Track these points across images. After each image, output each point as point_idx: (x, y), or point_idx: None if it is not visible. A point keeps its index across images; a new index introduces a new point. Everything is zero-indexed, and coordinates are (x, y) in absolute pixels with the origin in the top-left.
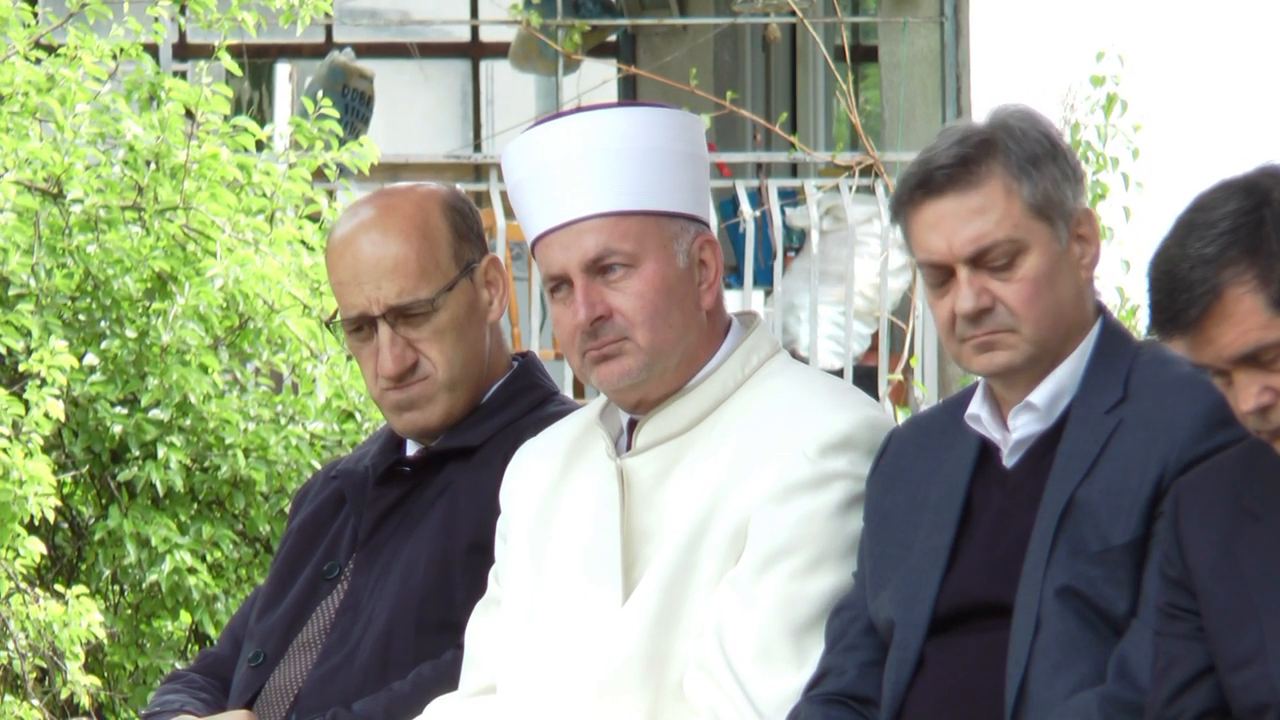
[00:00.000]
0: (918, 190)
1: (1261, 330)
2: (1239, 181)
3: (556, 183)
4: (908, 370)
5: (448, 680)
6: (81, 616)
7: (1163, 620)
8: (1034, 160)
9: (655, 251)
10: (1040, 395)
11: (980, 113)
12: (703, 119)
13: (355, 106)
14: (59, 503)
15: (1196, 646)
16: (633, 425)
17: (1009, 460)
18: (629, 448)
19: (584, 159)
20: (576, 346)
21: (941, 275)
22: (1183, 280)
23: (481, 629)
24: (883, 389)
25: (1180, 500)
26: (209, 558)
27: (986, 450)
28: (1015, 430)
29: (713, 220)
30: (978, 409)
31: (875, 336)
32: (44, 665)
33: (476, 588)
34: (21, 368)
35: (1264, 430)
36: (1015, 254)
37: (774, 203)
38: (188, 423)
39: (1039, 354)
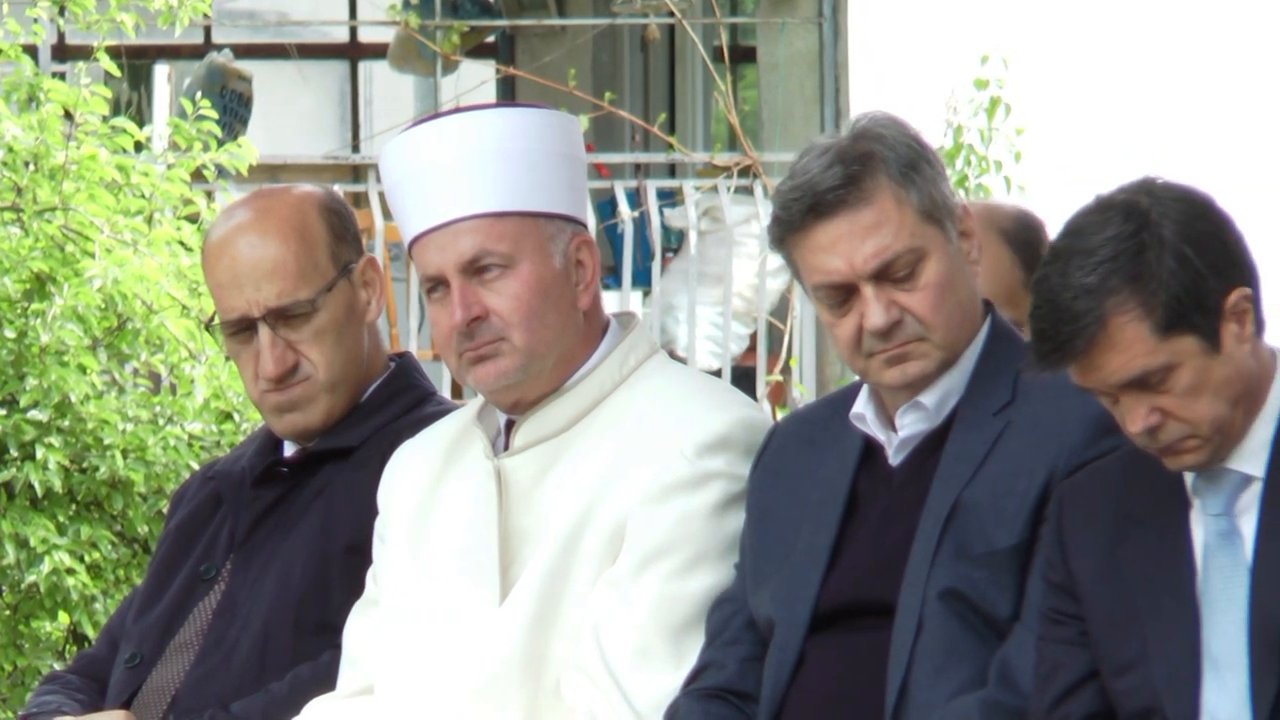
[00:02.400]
0: (808, 215)
1: (1147, 357)
2: (1117, 202)
3: (433, 184)
4: (786, 371)
5: (325, 681)
6: None
7: (1046, 625)
8: (912, 165)
9: (532, 252)
10: (930, 395)
11: (845, 124)
12: (580, 120)
13: (234, 107)
14: None
15: (1079, 652)
16: (510, 426)
17: (894, 459)
18: (506, 448)
19: (460, 160)
20: (454, 347)
21: (841, 295)
22: (1066, 310)
23: (359, 629)
24: (761, 389)
25: (1063, 504)
26: (87, 558)
27: (871, 449)
28: (902, 429)
29: (591, 221)
30: (862, 408)
31: (753, 337)
32: None
33: (354, 589)
34: None
35: (1152, 448)
36: (916, 262)
37: (652, 203)
38: (66, 423)
39: (949, 358)
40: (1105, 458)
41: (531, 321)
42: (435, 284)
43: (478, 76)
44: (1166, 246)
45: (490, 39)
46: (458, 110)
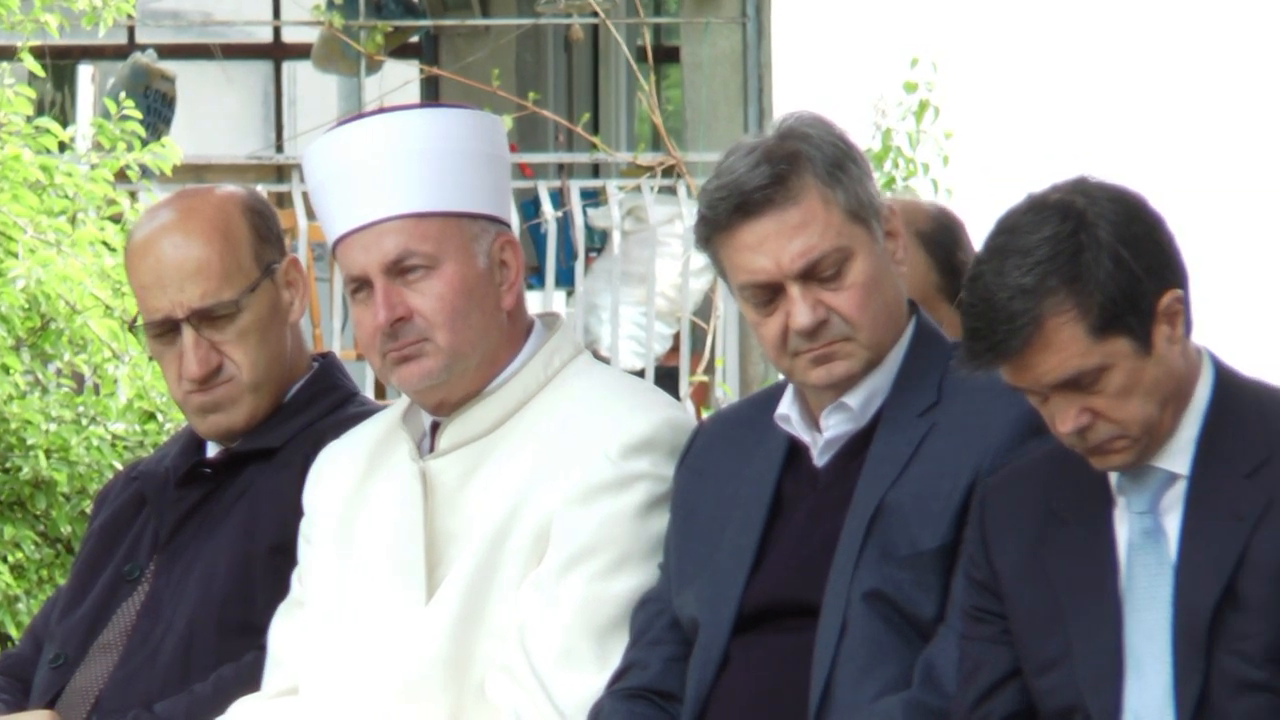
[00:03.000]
0: (734, 214)
1: (1081, 358)
2: (1052, 202)
3: (357, 184)
4: (710, 371)
5: (249, 681)
6: None
7: (968, 623)
8: (838, 165)
9: (455, 253)
10: (855, 396)
11: (770, 124)
12: (504, 120)
13: (157, 108)
14: None
15: (1002, 650)
16: (435, 428)
17: (819, 460)
18: (432, 450)
19: (384, 160)
20: (377, 348)
21: (767, 295)
22: (1002, 310)
23: (284, 630)
24: (684, 389)
25: (987, 502)
26: (10, 559)
27: (796, 449)
28: (827, 430)
29: (515, 221)
30: (787, 409)
31: (677, 337)
32: None
33: (278, 589)
34: None
35: (1081, 448)
36: (842, 262)
37: (576, 203)
38: None
39: (875, 358)
40: (1029, 456)
41: (455, 322)
42: (359, 284)
43: (401, 76)
44: (1103, 248)
45: (414, 39)
46: (382, 110)
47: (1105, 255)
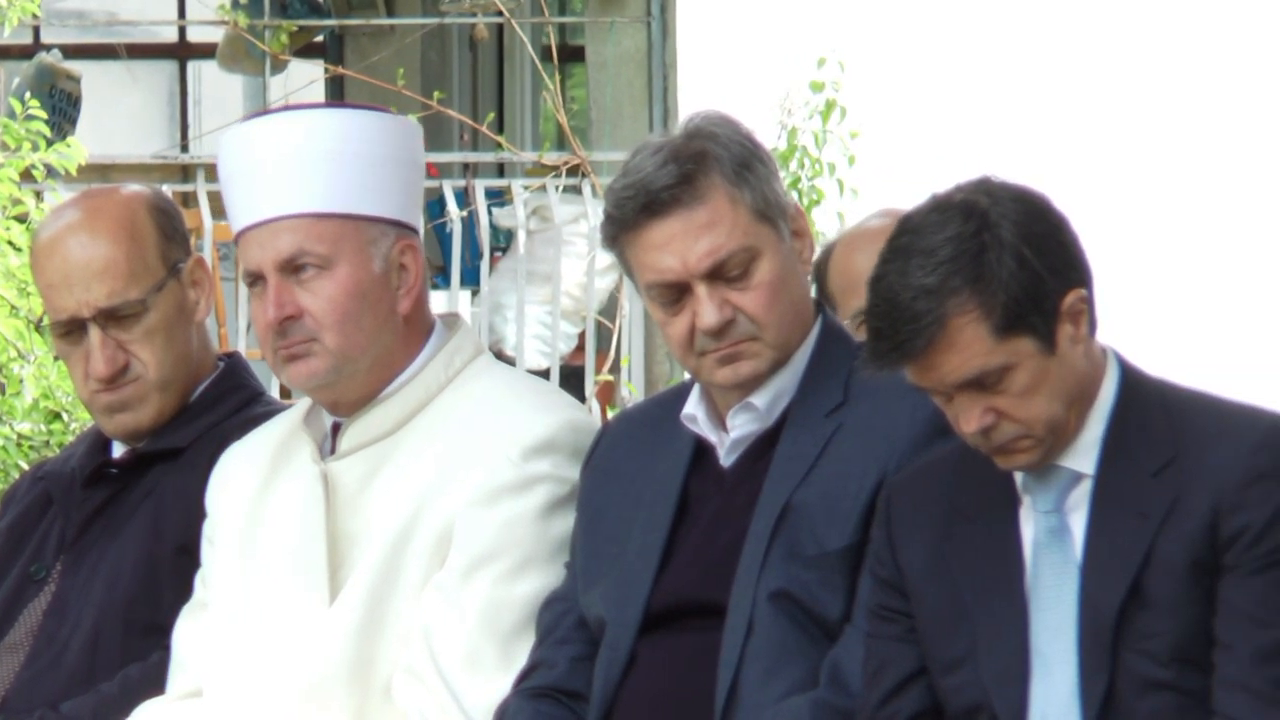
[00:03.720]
0: (641, 213)
1: (985, 357)
2: (956, 202)
3: (262, 179)
4: (615, 370)
5: (155, 681)
6: None
7: (874, 622)
8: (745, 164)
9: (350, 255)
10: (761, 396)
11: (677, 123)
12: (418, 125)
13: (63, 107)
14: None
15: (908, 649)
16: (337, 429)
17: (726, 460)
18: (333, 451)
19: (291, 157)
20: (269, 344)
21: (674, 294)
22: (906, 310)
23: (188, 632)
24: (589, 389)
25: (892, 501)
26: None
27: (702, 449)
28: (733, 430)
29: (420, 221)
30: (694, 409)
31: (582, 336)
32: None
33: (184, 590)
34: None
35: (985, 448)
36: (749, 262)
37: (481, 203)
38: None
39: (781, 358)
40: (935, 455)
41: (345, 324)
42: (255, 279)
43: (307, 76)
44: (1006, 248)
45: (319, 38)
46: (293, 107)
47: (1008, 255)
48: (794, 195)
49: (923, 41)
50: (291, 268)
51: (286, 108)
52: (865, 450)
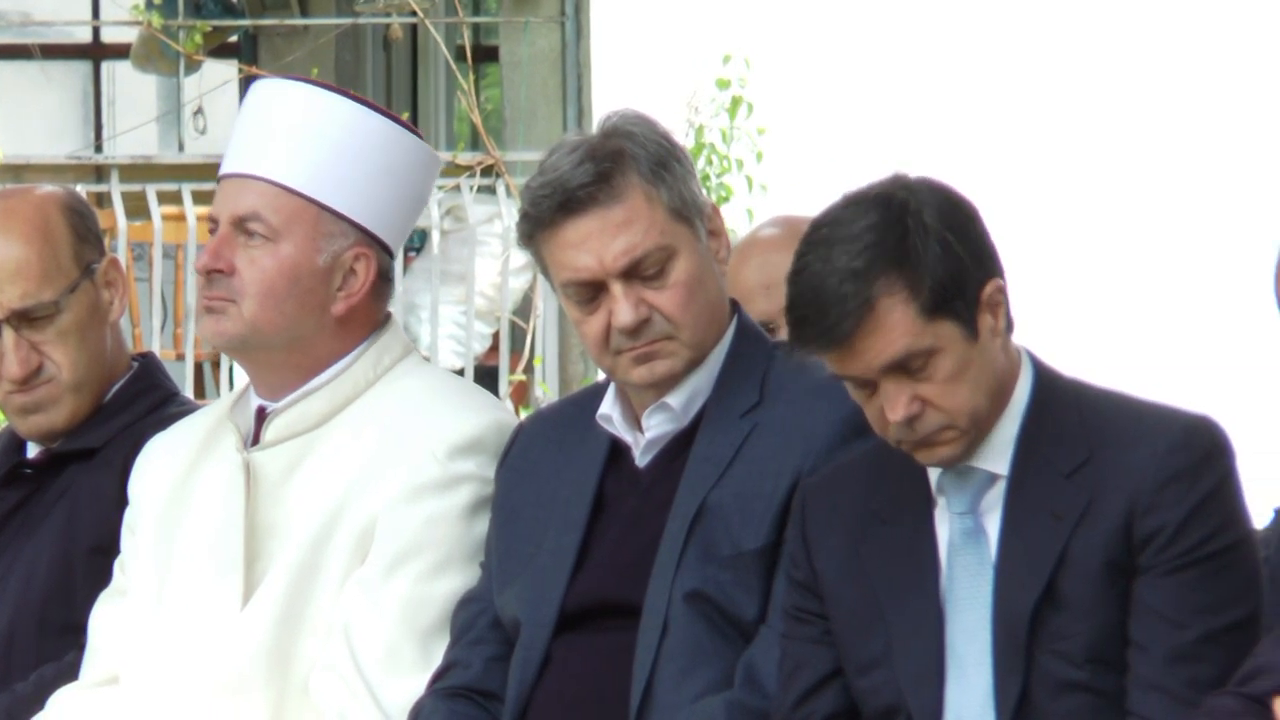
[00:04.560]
0: (558, 212)
1: (913, 337)
2: (870, 196)
3: (258, 135)
4: (529, 370)
5: (69, 681)
6: None
7: (789, 624)
8: (662, 163)
9: (299, 238)
10: (677, 396)
11: (595, 121)
12: (439, 159)
13: None
14: None
15: (823, 650)
16: (262, 420)
17: (641, 461)
18: (257, 442)
19: (295, 127)
20: (199, 288)
21: (590, 293)
22: (833, 295)
23: (105, 618)
24: (503, 389)
25: (807, 502)
26: None
27: (618, 449)
28: (649, 430)
29: (396, 243)
30: (609, 409)
31: (496, 336)
32: None
33: (99, 589)
34: None
35: (907, 441)
36: (666, 261)
37: None
38: None
39: (697, 357)
40: (850, 456)
41: (265, 299)
42: (214, 225)
43: (221, 76)
44: (930, 232)
45: (233, 39)
46: (325, 86)
47: (932, 239)
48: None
49: (827, 36)
50: (244, 227)
51: (318, 82)
52: (781, 451)
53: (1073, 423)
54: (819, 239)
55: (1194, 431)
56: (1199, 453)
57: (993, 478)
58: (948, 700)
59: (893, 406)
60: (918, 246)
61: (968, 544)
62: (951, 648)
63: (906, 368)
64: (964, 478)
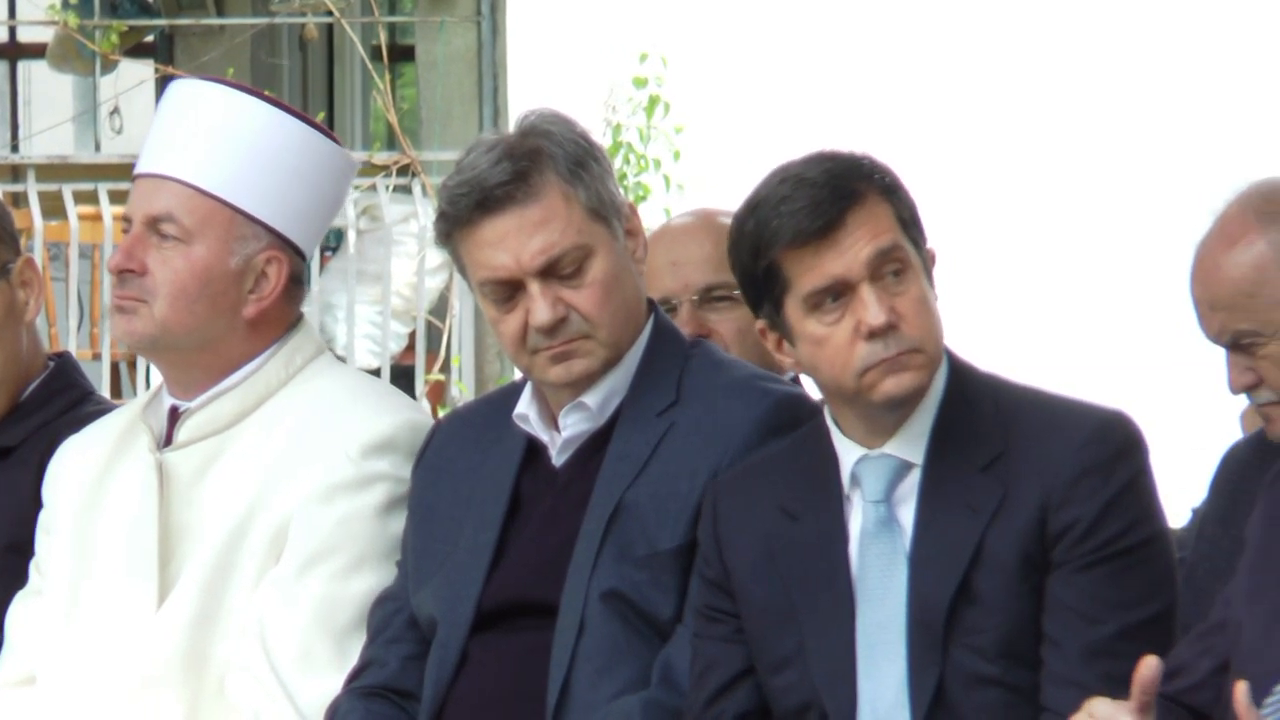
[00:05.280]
0: (476, 210)
1: (897, 234)
2: (812, 154)
3: (175, 135)
4: (446, 369)
5: None
6: None
7: (702, 622)
8: (580, 163)
9: (212, 240)
10: (593, 395)
11: (511, 120)
12: (355, 163)
13: None
14: None
15: (735, 649)
16: (175, 420)
17: (558, 460)
18: (169, 442)
19: (210, 129)
20: (112, 287)
21: (507, 292)
22: (821, 186)
23: (21, 618)
24: (420, 388)
25: (718, 500)
26: None
27: (534, 448)
28: (565, 429)
29: (309, 247)
30: (525, 408)
31: (412, 336)
32: None
33: (14, 588)
34: None
35: (879, 357)
36: (583, 260)
37: None
38: None
39: (614, 356)
40: (760, 454)
41: (177, 300)
42: (128, 225)
43: (137, 76)
44: (887, 174)
45: (149, 38)
46: (241, 87)
47: (891, 178)
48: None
49: (744, 35)
50: (157, 227)
51: (236, 84)
52: (697, 449)
53: (988, 417)
54: (778, 178)
55: (1108, 427)
56: (1113, 448)
57: (907, 466)
58: (861, 692)
59: (874, 312)
60: (887, 175)
61: (880, 533)
62: (864, 641)
63: (882, 273)
64: (877, 466)
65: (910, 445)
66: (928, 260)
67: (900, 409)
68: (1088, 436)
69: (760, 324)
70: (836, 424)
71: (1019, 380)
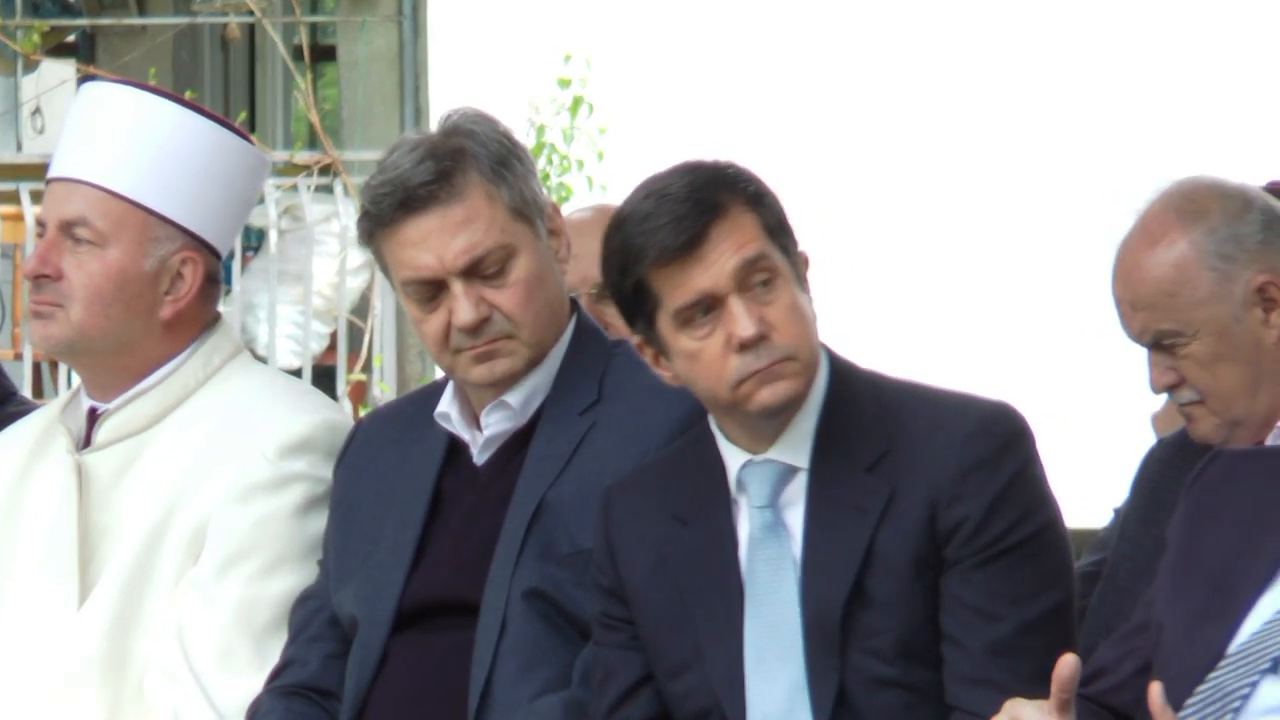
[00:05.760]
0: (399, 210)
1: (762, 243)
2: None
3: (86, 138)
4: (368, 369)
5: None
6: None
7: (599, 630)
8: (503, 162)
9: (126, 243)
10: (515, 394)
11: (433, 120)
12: (269, 163)
13: None
14: None
15: (633, 655)
16: (93, 422)
17: (479, 458)
18: (88, 444)
19: (122, 131)
20: (29, 291)
21: (430, 291)
22: (683, 201)
23: None
24: (341, 388)
25: (610, 508)
26: None
27: (456, 447)
28: (487, 428)
29: (224, 248)
30: (447, 407)
31: (334, 336)
32: None
33: None
34: None
35: (753, 369)
36: (506, 259)
37: None
38: None
39: (537, 356)
40: (649, 459)
41: (93, 304)
42: (42, 229)
43: (59, 75)
44: (753, 182)
45: (71, 38)
46: (152, 89)
47: (756, 186)
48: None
49: (668, 36)
50: (71, 232)
51: (146, 86)
52: (619, 448)
53: (870, 416)
54: (647, 194)
55: (992, 419)
56: (998, 440)
57: (792, 470)
58: (750, 697)
59: (744, 324)
60: (755, 185)
61: (768, 538)
62: (753, 644)
63: (748, 285)
64: (762, 471)
65: (794, 449)
66: (799, 265)
67: (778, 417)
68: (972, 430)
69: (637, 339)
70: (721, 431)
71: (900, 377)
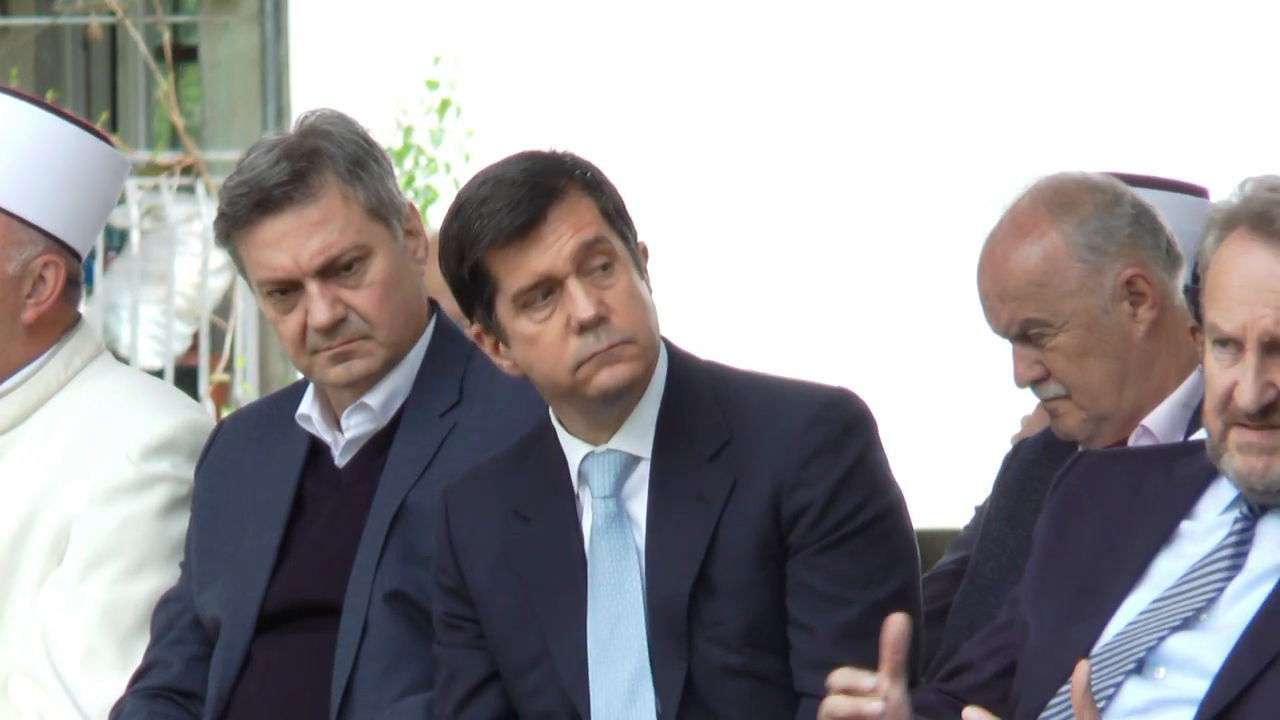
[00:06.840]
0: (254, 211)
1: (602, 227)
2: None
3: None
4: (230, 370)
5: None
6: None
7: (443, 630)
8: (359, 163)
9: None
10: (375, 396)
11: (292, 123)
12: (128, 164)
13: None
14: None
15: (477, 655)
16: None
17: (341, 460)
18: None
19: None
20: None
21: (286, 291)
22: (523, 184)
23: None
24: (204, 388)
25: (449, 508)
26: None
27: (318, 449)
28: (348, 430)
29: (84, 249)
30: (308, 409)
31: (196, 336)
32: None
33: None
34: None
35: (593, 350)
36: (362, 260)
37: None
38: None
39: (395, 356)
40: (488, 458)
41: None
42: None
43: None
44: (592, 170)
45: None
46: (16, 94)
47: (594, 173)
48: (409, 194)
49: (536, 39)
50: None
51: (5, 89)
52: (480, 450)
53: (710, 405)
54: (478, 181)
55: (832, 405)
56: (839, 426)
57: (634, 460)
58: (593, 687)
59: (581, 306)
60: (591, 173)
61: (610, 528)
62: (597, 635)
63: (588, 268)
64: (604, 461)
65: (636, 439)
66: (639, 253)
67: (618, 402)
68: (813, 416)
69: (475, 328)
70: (561, 423)
71: (739, 366)
